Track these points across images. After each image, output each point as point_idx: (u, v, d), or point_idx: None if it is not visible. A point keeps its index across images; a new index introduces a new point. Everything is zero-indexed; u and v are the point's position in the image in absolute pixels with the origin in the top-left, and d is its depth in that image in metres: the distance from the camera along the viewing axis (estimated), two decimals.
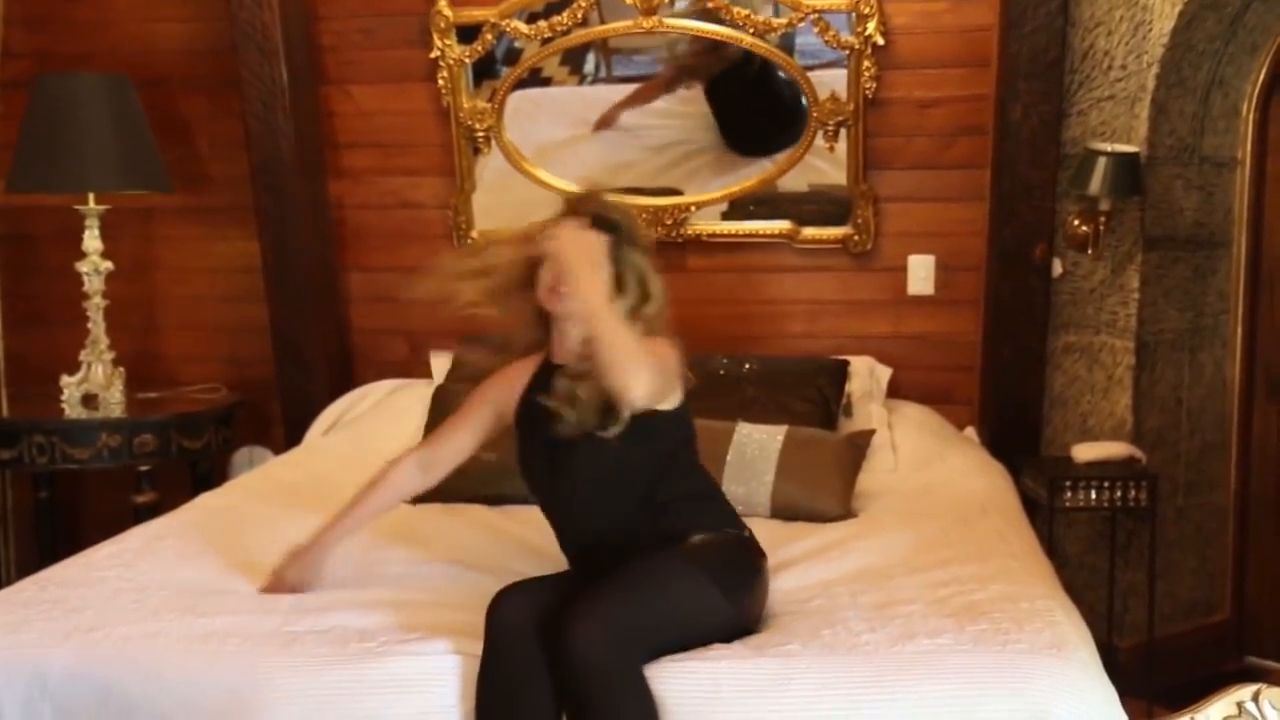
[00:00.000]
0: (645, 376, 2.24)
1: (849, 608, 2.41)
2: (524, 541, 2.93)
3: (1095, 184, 3.41)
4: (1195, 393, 3.68)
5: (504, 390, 2.59)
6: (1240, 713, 1.20)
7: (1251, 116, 3.60)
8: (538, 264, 2.43)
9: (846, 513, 3.14)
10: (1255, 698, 1.20)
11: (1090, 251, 3.60)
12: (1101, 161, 3.41)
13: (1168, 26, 3.33)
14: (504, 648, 2.16)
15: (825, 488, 3.16)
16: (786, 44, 3.86)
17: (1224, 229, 3.65)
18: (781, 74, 3.90)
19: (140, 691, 2.19)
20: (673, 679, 2.12)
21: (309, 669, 2.20)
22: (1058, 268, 3.75)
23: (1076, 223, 3.59)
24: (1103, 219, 3.53)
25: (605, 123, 4.06)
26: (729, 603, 2.28)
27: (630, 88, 4.07)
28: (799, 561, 2.73)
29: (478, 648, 2.19)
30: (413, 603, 2.49)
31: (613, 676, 2.05)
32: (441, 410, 3.50)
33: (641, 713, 2.06)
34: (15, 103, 4.01)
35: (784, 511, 3.14)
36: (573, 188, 4.00)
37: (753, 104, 4.07)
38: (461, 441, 2.62)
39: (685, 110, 4.06)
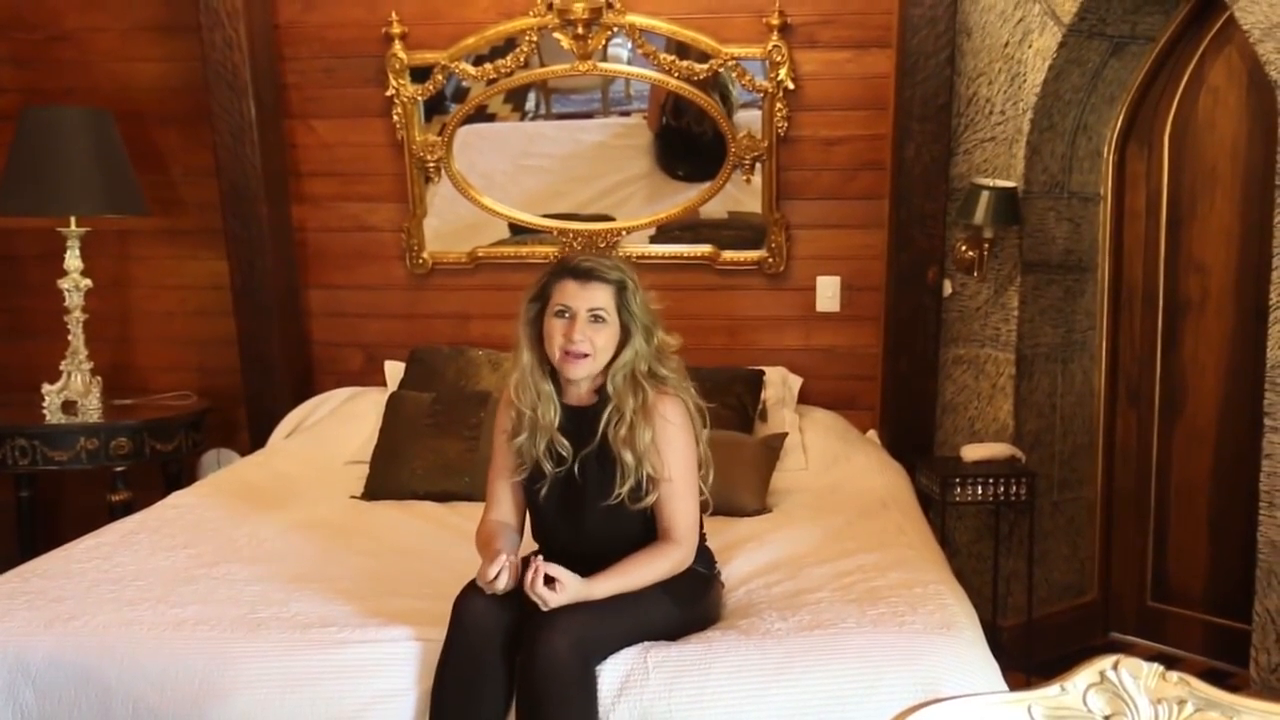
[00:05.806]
0: (685, 554, 2.26)
1: (764, 600, 2.42)
2: (470, 535, 2.89)
3: (980, 215, 3.46)
4: (1067, 400, 3.75)
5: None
6: (1102, 680, 1.23)
7: (1111, 158, 3.67)
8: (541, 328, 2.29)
9: (763, 508, 3.15)
10: (1115, 667, 1.23)
11: (976, 274, 3.66)
12: (985, 195, 3.45)
13: (1039, 78, 3.40)
14: (468, 642, 2.09)
15: (744, 485, 3.16)
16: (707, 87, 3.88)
17: (1090, 256, 3.72)
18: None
19: (116, 676, 2.16)
20: (604, 662, 2.11)
21: (273, 654, 2.17)
22: (948, 288, 3.80)
23: (964, 248, 3.64)
24: (986, 245, 3.59)
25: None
26: (683, 622, 2.24)
27: (567, 123, 4.06)
28: (721, 553, 2.73)
29: (432, 634, 2.16)
30: (369, 592, 2.45)
31: (569, 685, 2.02)
32: (396, 414, 3.48)
33: (584, 713, 2.04)
34: (3, 133, 3.92)
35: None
36: (515, 213, 4.05)
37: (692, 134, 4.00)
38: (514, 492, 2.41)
39: (617, 143, 4.05)
